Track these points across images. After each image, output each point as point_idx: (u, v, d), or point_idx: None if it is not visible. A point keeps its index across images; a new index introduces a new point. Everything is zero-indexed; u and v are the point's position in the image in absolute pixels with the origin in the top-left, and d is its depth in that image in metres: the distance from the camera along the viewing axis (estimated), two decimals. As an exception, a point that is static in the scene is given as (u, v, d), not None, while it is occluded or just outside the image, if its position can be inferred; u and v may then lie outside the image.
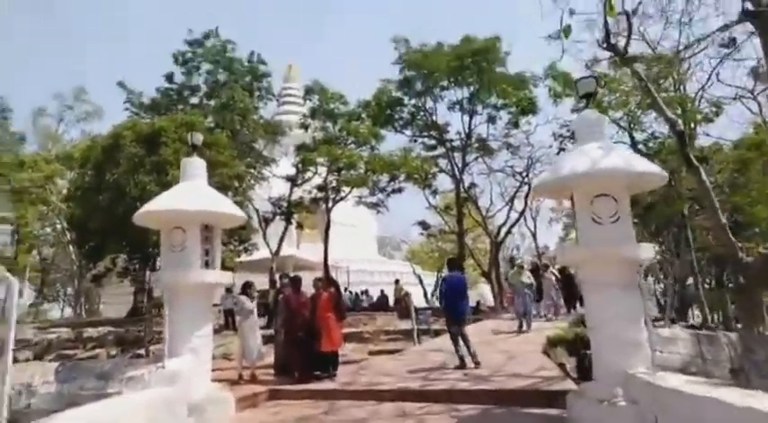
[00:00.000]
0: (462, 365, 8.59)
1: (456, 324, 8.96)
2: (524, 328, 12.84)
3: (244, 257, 20.23)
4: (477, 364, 8.52)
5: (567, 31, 8.82)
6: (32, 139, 36.64)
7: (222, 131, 19.79)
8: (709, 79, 14.31)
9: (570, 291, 17.69)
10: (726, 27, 9.56)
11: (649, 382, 4.74)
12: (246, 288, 10.10)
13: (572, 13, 8.62)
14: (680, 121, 11.47)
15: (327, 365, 8.70)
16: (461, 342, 8.80)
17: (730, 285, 24.12)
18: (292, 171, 23.15)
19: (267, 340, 11.13)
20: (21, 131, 32.42)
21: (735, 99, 18.05)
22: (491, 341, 11.87)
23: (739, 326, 21.35)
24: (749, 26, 9.84)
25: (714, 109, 17.29)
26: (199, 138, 7.84)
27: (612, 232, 5.30)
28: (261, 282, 19.05)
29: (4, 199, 28.99)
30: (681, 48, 12.16)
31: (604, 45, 11.71)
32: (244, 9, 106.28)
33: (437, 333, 14.10)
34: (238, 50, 23.95)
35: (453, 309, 9.04)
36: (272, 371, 9.71)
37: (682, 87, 17.98)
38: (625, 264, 5.35)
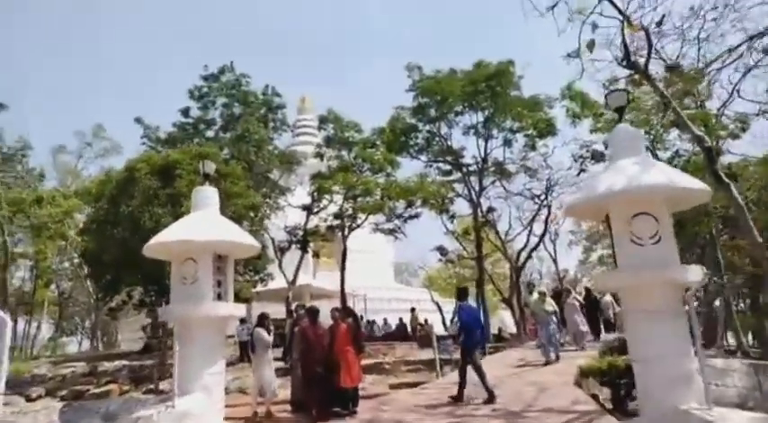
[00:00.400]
0: (491, 399, 8.10)
1: (475, 352, 8.64)
2: (552, 358, 12.11)
3: (260, 287, 19.94)
4: (492, 398, 8.09)
5: (590, 45, 8.55)
6: (52, 176, 37.14)
7: (238, 163, 19.79)
8: (732, 94, 13.86)
9: (595, 316, 17.03)
10: (762, 35, 9.19)
11: (706, 420, 4.25)
12: (263, 320, 9.75)
13: (595, 27, 8.28)
14: (707, 138, 11.03)
15: (347, 401, 8.23)
16: (476, 373, 8.38)
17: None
18: (308, 200, 23.02)
19: (283, 373, 10.73)
20: (41, 168, 32.93)
21: (758, 115, 17.50)
22: (519, 373, 11.31)
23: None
24: None
25: (740, 124, 16.79)
26: (211, 166, 7.59)
27: (654, 254, 4.87)
28: (277, 311, 18.72)
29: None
30: (706, 62, 11.78)
31: (624, 63, 11.39)
32: (256, 45, 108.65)
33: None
34: (253, 84, 24.22)
35: (472, 338, 8.71)
36: (288, 407, 9.28)
37: (702, 104, 17.54)
38: (670, 288, 4.90)
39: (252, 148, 22.37)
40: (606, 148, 21.02)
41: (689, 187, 4.89)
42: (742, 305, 30.16)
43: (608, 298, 18.86)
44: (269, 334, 9.57)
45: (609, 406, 8.31)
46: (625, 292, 5.26)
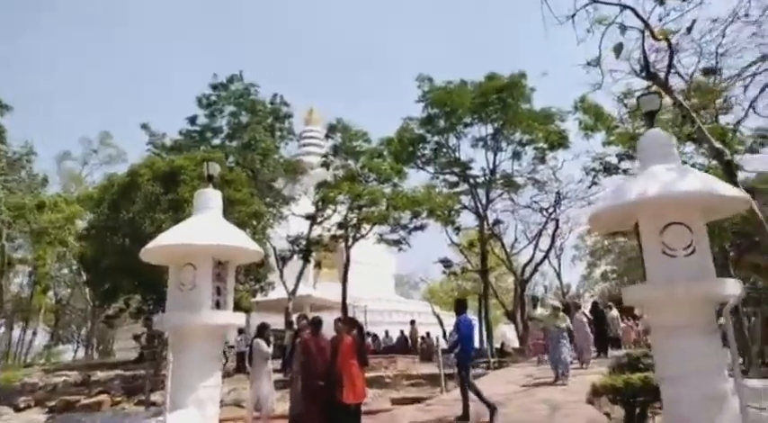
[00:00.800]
0: (493, 412, 7.72)
1: (468, 367, 8.46)
2: (561, 378, 11.54)
3: (259, 297, 19.57)
4: (493, 411, 7.78)
5: (618, 48, 8.19)
6: (55, 181, 36.93)
7: (243, 170, 19.54)
8: (747, 110, 13.55)
9: (603, 331, 16.52)
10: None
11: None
12: (263, 330, 9.38)
13: (623, 29, 7.89)
14: (727, 151, 10.69)
15: (349, 419, 7.80)
16: (469, 389, 8.12)
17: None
18: (312, 209, 22.74)
19: (282, 386, 10.32)
20: (44, 173, 32.68)
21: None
22: (527, 390, 10.88)
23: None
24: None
25: (760, 139, 16.45)
26: (215, 168, 7.23)
27: (688, 266, 4.50)
28: (277, 322, 18.31)
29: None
30: (721, 79, 11.49)
31: (643, 74, 11.09)
32: (268, 57, 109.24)
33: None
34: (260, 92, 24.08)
35: (470, 352, 8.63)
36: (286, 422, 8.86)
37: (717, 119, 17.24)
38: (704, 302, 4.54)
39: (257, 157, 22.19)
40: (619, 160, 20.71)
41: (728, 195, 4.53)
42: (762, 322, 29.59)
43: (614, 313, 18.37)
44: (268, 345, 9.18)
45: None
46: (653, 306, 4.88)
